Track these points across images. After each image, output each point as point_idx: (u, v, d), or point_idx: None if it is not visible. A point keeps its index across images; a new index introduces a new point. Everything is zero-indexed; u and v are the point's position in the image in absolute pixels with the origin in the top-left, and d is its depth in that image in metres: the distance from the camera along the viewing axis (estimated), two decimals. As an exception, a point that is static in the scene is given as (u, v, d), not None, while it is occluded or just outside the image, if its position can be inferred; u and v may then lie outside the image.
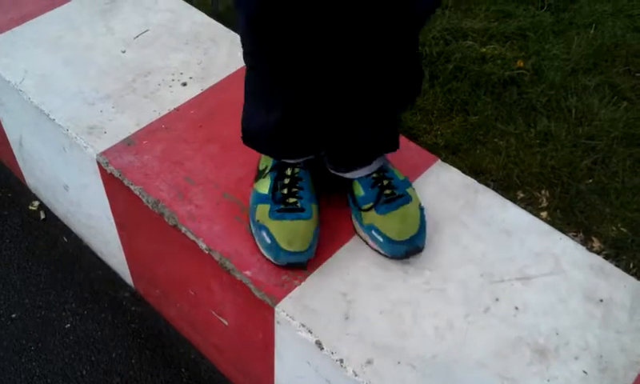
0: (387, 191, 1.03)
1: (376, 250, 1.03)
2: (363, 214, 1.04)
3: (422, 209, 1.05)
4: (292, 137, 1.01)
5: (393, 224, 1.00)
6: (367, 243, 1.05)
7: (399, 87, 0.98)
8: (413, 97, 1.03)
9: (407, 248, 1.01)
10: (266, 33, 0.87)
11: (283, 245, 0.99)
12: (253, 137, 1.06)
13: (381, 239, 1.01)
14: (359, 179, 1.05)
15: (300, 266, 1.01)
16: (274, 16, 0.83)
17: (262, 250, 1.03)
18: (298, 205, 1.01)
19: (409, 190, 1.05)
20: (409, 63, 0.96)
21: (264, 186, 1.05)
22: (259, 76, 0.97)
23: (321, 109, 0.97)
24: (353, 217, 1.07)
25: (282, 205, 1.02)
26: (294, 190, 1.03)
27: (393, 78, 0.95)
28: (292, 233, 0.99)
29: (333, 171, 1.08)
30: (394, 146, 1.07)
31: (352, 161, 1.05)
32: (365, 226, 1.03)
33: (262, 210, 1.03)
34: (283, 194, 1.03)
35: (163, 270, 1.30)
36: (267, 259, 1.02)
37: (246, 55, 0.95)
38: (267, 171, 1.06)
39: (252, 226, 1.05)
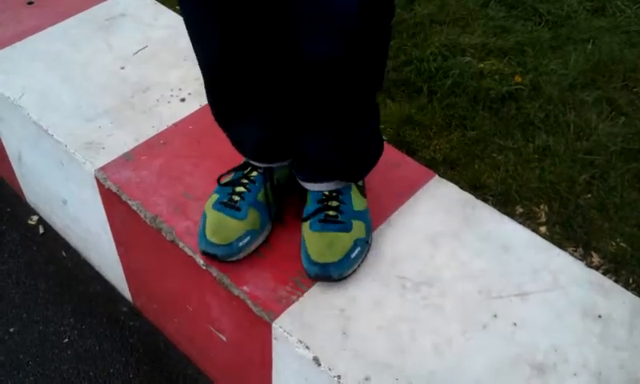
0: (330, 212, 1.04)
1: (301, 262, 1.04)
2: (302, 224, 1.06)
3: (358, 244, 1.03)
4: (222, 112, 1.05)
5: (317, 244, 1.01)
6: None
7: (338, 119, 0.97)
8: (364, 137, 1.02)
9: (317, 271, 1.00)
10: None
11: (208, 233, 1.03)
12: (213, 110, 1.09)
13: (303, 253, 1.03)
14: (311, 192, 1.07)
15: (215, 258, 1.03)
16: None
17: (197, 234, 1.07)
18: (237, 204, 1.05)
19: (355, 222, 1.04)
20: (343, 101, 0.94)
21: (225, 178, 1.10)
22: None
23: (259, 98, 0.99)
24: None
25: (225, 199, 1.06)
26: (242, 190, 1.07)
27: (323, 109, 0.95)
28: (219, 226, 1.03)
29: (297, 178, 1.10)
30: (351, 178, 1.07)
31: (309, 173, 1.06)
32: (302, 235, 1.05)
33: (211, 199, 1.08)
34: (231, 189, 1.07)
35: (161, 285, 1.30)
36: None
37: None
38: (237, 166, 1.10)
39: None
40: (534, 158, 1.58)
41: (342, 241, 1.01)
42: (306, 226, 1.04)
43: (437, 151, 1.59)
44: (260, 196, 1.07)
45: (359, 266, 1.04)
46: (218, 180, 1.11)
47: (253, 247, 1.06)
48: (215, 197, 1.08)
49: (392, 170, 1.19)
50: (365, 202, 1.09)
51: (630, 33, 1.99)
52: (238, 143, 1.10)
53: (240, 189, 1.07)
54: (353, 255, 1.02)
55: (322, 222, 1.03)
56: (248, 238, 1.04)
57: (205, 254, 1.04)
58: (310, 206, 1.06)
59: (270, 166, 1.08)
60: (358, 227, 1.04)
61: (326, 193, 1.05)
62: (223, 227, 1.03)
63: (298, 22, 0.83)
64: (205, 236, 1.03)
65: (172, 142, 1.27)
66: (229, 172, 1.11)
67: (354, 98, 0.95)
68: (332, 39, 0.84)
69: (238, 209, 1.05)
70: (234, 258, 1.04)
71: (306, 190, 1.09)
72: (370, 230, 1.07)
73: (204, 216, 1.07)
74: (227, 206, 1.05)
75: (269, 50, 0.91)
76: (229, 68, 0.95)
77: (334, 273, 1.00)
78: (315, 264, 1.00)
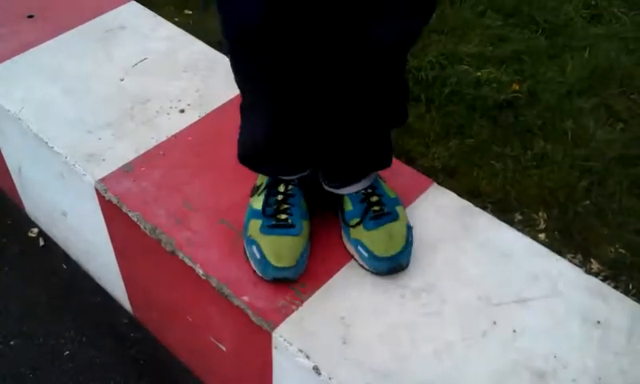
0: (376, 208, 1.05)
1: (361, 266, 1.04)
2: (351, 229, 1.05)
3: (409, 228, 1.06)
4: (276, 152, 1.03)
5: (378, 240, 1.02)
6: (354, 258, 1.06)
7: (382, 107, 0.99)
8: (399, 117, 1.05)
9: (390, 265, 1.02)
10: (245, 50, 0.91)
11: (272, 260, 1.01)
12: (245, 154, 1.09)
13: (366, 254, 1.02)
14: (349, 195, 1.07)
15: (287, 281, 1.02)
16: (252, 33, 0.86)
17: (253, 265, 1.04)
18: (289, 221, 1.03)
19: (398, 208, 1.07)
20: (391, 84, 0.98)
21: (258, 202, 1.07)
22: (242, 92, 1.00)
23: (303, 124, 0.99)
24: (342, 232, 1.08)
25: (273, 221, 1.04)
26: (286, 206, 1.05)
27: (375, 97, 0.97)
28: (281, 248, 1.01)
29: (326, 187, 1.10)
30: (386, 164, 1.09)
31: (342, 177, 1.07)
32: (352, 240, 1.05)
33: (254, 225, 1.05)
34: (275, 209, 1.05)
35: (161, 296, 1.30)
36: (256, 274, 1.03)
37: (234, 74, 0.98)
38: (262, 187, 1.08)
39: (245, 241, 1.07)
40: (532, 166, 1.59)
41: (398, 229, 1.04)
42: (358, 229, 1.04)
43: (435, 159, 1.60)
44: (303, 205, 1.07)
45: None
46: (251, 206, 1.09)
47: (307, 256, 1.05)
48: (258, 222, 1.05)
49: (391, 179, 1.19)
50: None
51: (626, 40, 2.00)
52: (274, 172, 1.08)
53: (284, 206, 1.05)
54: (410, 239, 1.05)
55: (374, 219, 1.04)
56: (307, 250, 1.04)
57: (276, 280, 1.02)
58: (355, 209, 1.06)
59: (303, 174, 1.08)
60: (401, 213, 1.07)
61: (364, 191, 1.06)
62: (287, 248, 1.01)
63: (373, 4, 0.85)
64: (269, 263, 1.00)
65: (171, 153, 1.27)
66: (255, 194, 1.09)
67: (400, 82, 0.98)
68: (412, 19, 0.87)
69: (292, 225, 1.03)
70: (300, 275, 1.03)
71: (336, 199, 1.09)
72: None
73: (254, 243, 1.03)
74: (280, 226, 1.03)
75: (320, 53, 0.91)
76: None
77: (404, 261, 1.03)
78: (385, 259, 1.01)
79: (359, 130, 1.01)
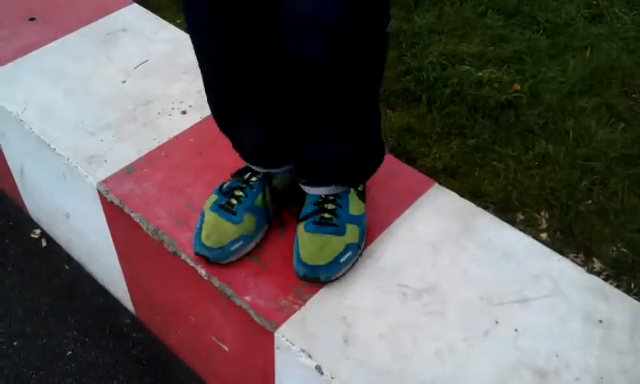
0: (325, 215, 1.05)
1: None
2: (298, 224, 1.07)
3: (351, 249, 1.04)
4: (229, 126, 1.08)
5: (308, 245, 1.02)
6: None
7: (332, 121, 0.98)
8: (357, 138, 1.03)
9: (306, 272, 1.01)
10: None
11: (202, 236, 1.04)
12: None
13: (295, 252, 1.04)
14: (309, 195, 1.08)
15: (208, 260, 1.05)
16: None
17: None
18: (234, 209, 1.06)
19: (349, 226, 1.05)
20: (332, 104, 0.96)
21: (226, 182, 1.12)
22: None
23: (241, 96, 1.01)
24: None
25: (223, 202, 1.07)
26: (239, 194, 1.08)
27: (316, 110, 0.96)
28: (213, 229, 1.05)
29: (299, 183, 1.11)
30: (352, 183, 1.08)
31: (309, 178, 1.07)
32: (296, 235, 1.06)
33: (210, 200, 1.09)
34: (231, 193, 1.08)
35: (164, 297, 1.30)
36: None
37: None
38: (237, 171, 1.12)
39: None
40: (533, 165, 1.59)
41: (333, 244, 1.02)
42: (301, 226, 1.05)
43: (437, 160, 1.60)
44: (257, 201, 1.08)
45: (349, 269, 1.05)
46: (221, 187, 1.12)
47: (245, 251, 1.07)
48: (214, 198, 1.09)
49: (392, 179, 1.19)
50: (363, 206, 1.10)
51: (627, 39, 2.00)
52: (240, 147, 1.11)
53: (238, 193, 1.08)
54: (343, 259, 1.03)
55: (316, 224, 1.04)
56: (241, 242, 1.05)
57: (197, 255, 1.05)
58: (307, 208, 1.07)
59: (269, 171, 1.09)
60: (351, 231, 1.05)
61: (323, 196, 1.06)
62: (217, 230, 1.04)
63: (284, 20, 0.86)
64: (199, 237, 1.05)
65: (173, 154, 1.28)
66: (231, 176, 1.12)
67: (349, 103, 0.96)
68: (314, 41, 0.85)
69: (234, 213, 1.06)
70: (225, 261, 1.05)
71: (305, 194, 1.10)
72: (363, 235, 1.08)
73: (202, 216, 1.08)
74: (224, 209, 1.06)
75: (271, 50, 0.93)
76: (234, 67, 0.96)
77: (322, 275, 1.01)
78: (304, 265, 1.01)
79: (315, 140, 1.01)
